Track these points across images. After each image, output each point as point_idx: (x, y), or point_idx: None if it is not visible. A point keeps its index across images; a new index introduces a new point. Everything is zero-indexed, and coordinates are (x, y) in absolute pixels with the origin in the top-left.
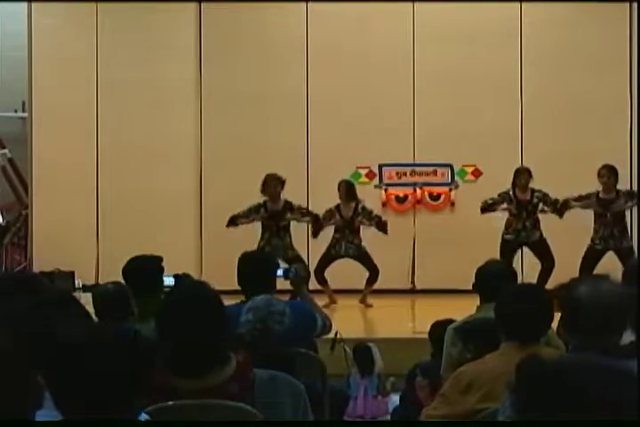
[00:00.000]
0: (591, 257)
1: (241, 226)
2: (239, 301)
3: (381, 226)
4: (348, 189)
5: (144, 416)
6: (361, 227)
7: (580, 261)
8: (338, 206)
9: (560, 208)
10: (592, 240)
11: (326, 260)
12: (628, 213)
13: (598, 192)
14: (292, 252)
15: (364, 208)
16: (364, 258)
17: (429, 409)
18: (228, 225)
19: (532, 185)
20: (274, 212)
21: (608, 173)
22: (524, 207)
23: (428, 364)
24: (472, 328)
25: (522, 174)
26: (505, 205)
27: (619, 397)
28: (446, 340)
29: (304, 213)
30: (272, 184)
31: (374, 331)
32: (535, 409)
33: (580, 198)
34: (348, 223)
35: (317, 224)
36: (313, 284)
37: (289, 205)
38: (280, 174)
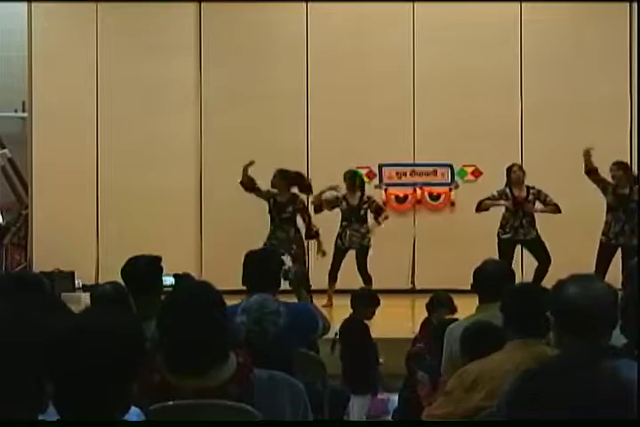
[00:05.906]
0: (604, 252)
1: (243, 224)
2: (241, 301)
3: (378, 211)
4: (351, 179)
5: (135, 412)
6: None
7: (588, 256)
8: (345, 196)
9: (554, 203)
10: (604, 234)
11: (338, 255)
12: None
13: (616, 186)
14: (296, 248)
15: (369, 198)
16: (363, 251)
17: (432, 408)
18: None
19: (528, 183)
20: (278, 203)
21: (617, 169)
22: (520, 204)
23: (429, 361)
24: (477, 329)
25: (513, 166)
26: (502, 202)
27: (607, 397)
28: (448, 339)
29: (301, 208)
30: (277, 175)
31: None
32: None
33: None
34: (355, 212)
35: (318, 202)
36: (313, 284)
37: (294, 199)
38: (288, 171)
